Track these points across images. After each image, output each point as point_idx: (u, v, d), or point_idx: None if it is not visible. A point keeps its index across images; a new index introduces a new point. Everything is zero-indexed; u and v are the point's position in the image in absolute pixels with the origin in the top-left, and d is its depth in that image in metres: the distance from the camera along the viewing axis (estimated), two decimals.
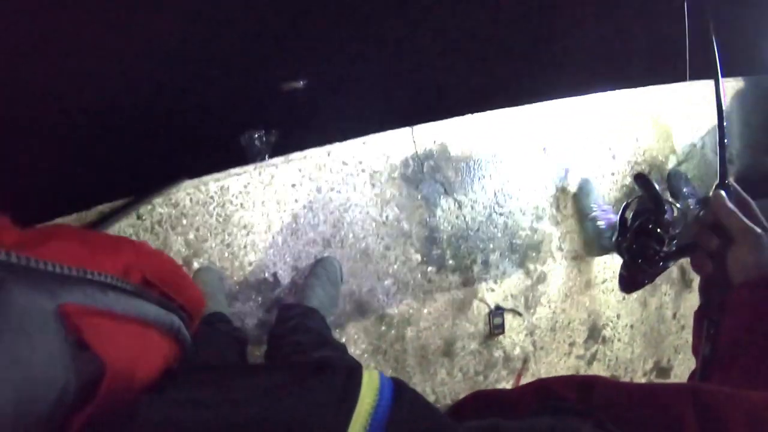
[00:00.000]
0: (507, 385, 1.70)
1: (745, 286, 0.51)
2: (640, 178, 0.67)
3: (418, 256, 1.55)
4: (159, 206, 1.37)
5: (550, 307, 1.75)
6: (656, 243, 0.67)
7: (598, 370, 1.88)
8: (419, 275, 1.55)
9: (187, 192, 1.39)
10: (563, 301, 1.77)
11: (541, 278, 1.73)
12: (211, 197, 1.40)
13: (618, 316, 1.90)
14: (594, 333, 1.86)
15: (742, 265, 0.52)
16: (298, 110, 1.78)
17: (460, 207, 1.62)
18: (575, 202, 1.74)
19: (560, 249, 1.76)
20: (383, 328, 1.51)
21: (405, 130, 1.61)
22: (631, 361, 1.96)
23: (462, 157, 1.64)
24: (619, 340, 1.92)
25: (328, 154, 1.54)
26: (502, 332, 1.66)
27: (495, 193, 1.67)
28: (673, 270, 2.06)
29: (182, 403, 0.38)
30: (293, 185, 1.48)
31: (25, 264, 0.34)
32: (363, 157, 1.55)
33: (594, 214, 1.66)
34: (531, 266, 1.71)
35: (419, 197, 1.57)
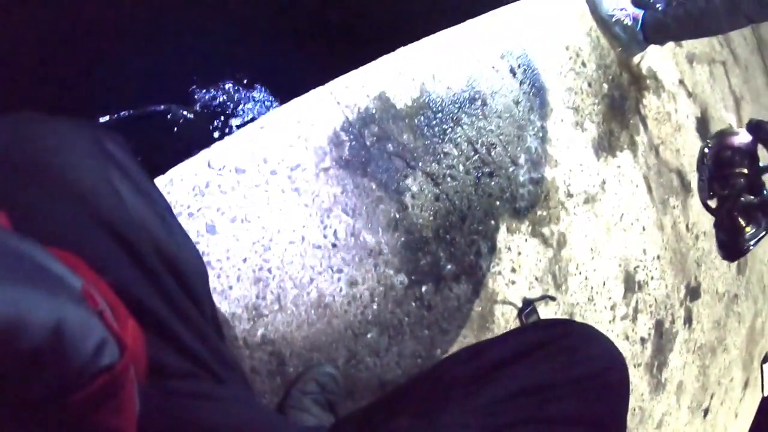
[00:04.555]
0: None
1: None
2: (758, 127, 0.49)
3: (402, 277, 0.94)
4: None
5: (580, 273, 1.24)
6: (753, 193, 0.48)
7: (643, 322, 1.44)
8: (413, 305, 0.94)
9: None
10: (591, 260, 1.27)
11: (561, 242, 1.20)
12: None
13: (645, 252, 1.46)
14: (629, 282, 1.40)
15: None
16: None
17: (435, 182, 1.01)
18: (594, 19, 1.53)
19: (569, 195, 1.24)
20: None
21: (318, 93, 0.96)
22: (668, 296, 1.55)
23: (414, 108, 1.03)
24: (652, 278, 1.48)
25: (208, 164, 0.86)
26: None
27: (474, 147, 1.08)
28: (672, 177, 1.66)
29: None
30: None
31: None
32: (268, 152, 0.88)
33: (616, 17, 1.49)
34: (546, 231, 1.17)
35: (374, 186, 0.95)
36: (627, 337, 1.38)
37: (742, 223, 0.50)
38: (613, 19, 1.52)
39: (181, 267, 0.49)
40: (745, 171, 0.51)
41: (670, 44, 1.81)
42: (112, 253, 0.43)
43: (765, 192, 0.51)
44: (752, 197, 0.50)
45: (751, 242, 0.52)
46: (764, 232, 0.52)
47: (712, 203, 0.54)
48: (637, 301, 1.42)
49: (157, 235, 0.47)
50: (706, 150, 0.56)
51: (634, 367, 1.42)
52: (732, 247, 0.54)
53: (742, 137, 0.50)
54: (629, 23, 1.51)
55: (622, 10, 1.53)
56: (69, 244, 0.34)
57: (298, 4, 1.01)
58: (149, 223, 0.46)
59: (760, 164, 0.52)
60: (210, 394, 0.46)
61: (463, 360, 0.61)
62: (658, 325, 1.51)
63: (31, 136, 0.42)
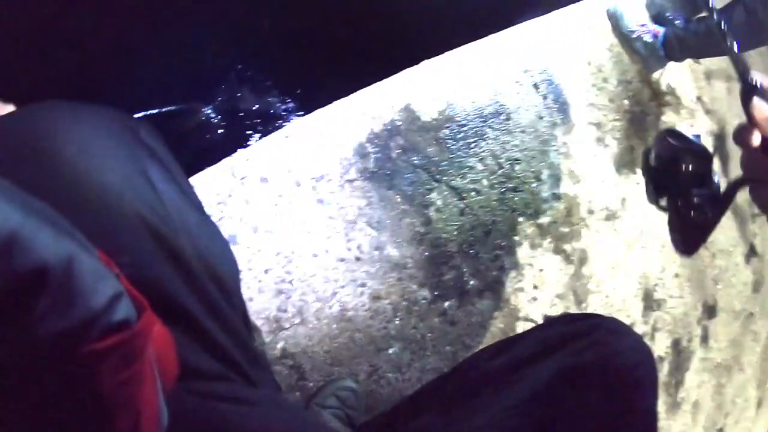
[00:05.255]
0: None
1: None
2: (668, 136, 0.50)
3: (426, 292, 0.92)
4: None
5: (601, 291, 1.22)
6: (702, 187, 0.47)
7: (661, 340, 1.41)
8: (436, 320, 0.92)
9: None
10: (612, 278, 1.25)
11: (583, 259, 1.18)
12: None
13: (663, 269, 1.43)
14: (649, 300, 1.37)
15: None
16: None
17: (460, 196, 0.99)
18: (615, 35, 1.49)
19: (591, 212, 1.22)
20: None
21: (344, 104, 0.95)
22: (686, 314, 1.51)
23: (440, 120, 1.01)
24: (671, 296, 1.45)
25: (232, 173, 0.85)
26: None
27: (498, 162, 1.07)
28: None
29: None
30: None
31: None
32: (292, 162, 0.87)
33: (637, 33, 1.46)
34: (568, 248, 1.15)
35: (399, 199, 0.93)
36: None
37: (693, 216, 0.47)
38: (634, 35, 1.50)
39: (215, 263, 0.47)
40: (690, 166, 0.51)
41: (689, 60, 1.79)
42: (144, 249, 0.40)
43: (715, 181, 0.49)
44: (701, 190, 0.49)
45: (704, 235, 0.51)
46: (716, 222, 0.51)
47: (663, 202, 0.52)
48: (655, 320, 1.39)
49: (193, 230, 0.45)
50: (651, 151, 0.57)
51: None
52: (685, 242, 0.55)
53: (684, 133, 0.49)
54: (650, 40, 1.49)
55: (643, 26, 1.51)
56: (95, 238, 0.31)
57: (325, 17, 1.01)
58: (186, 217, 0.45)
59: (708, 151, 0.52)
60: (244, 397, 0.44)
61: (491, 356, 0.60)
62: (676, 343, 1.47)
63: (61, 124, 0.39)
